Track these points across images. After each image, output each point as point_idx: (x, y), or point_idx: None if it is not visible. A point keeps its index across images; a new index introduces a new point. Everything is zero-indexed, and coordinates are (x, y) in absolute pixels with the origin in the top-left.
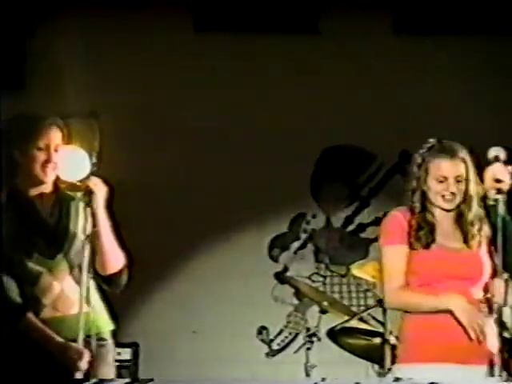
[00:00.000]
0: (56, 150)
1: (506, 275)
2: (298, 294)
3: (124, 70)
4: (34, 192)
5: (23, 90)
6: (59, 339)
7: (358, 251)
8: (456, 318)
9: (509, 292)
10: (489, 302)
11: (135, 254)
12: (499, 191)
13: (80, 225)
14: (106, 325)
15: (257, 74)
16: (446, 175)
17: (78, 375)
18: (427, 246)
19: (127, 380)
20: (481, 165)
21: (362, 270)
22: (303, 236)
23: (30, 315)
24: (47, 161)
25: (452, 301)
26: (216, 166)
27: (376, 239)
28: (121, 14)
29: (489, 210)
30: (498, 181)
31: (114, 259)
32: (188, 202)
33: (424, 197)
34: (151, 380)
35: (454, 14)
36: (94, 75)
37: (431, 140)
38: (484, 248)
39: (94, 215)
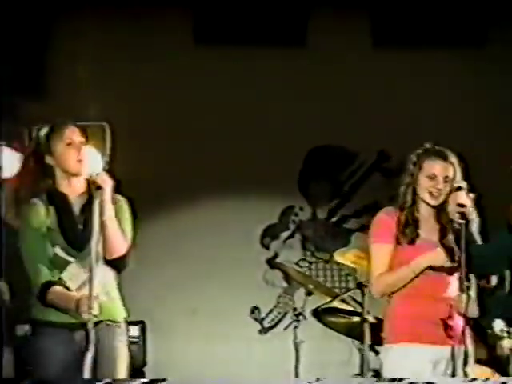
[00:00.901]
0: (81, 146)
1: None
2: (286, 277)
3: (128, 80)
4: (67, 189)
5: (41, 97)
6: (74, 295)
7: (340, 240)
8: (434, 267)
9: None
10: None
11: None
12: (463, 216)
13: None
14: (120, 312)
15: (256, 86)
16: (437, 174)
17: (87, 319)
18: (412, 241)
19: (144, 380)
20: (467, 169)
21: (344, 257)
22: (292, 226)
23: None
24: (77, 154)
25: (429, 256)
26: (216, 165)
27: (356, 230)
28: (128, 29)
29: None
30: (461, 205)
31: (119, 244)
32: (190, 194)
33: (414, 193)
34: (163, 380)
35: (427, 28)
36: (105, 85)
37: (427, 144)
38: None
39: (101, 207)
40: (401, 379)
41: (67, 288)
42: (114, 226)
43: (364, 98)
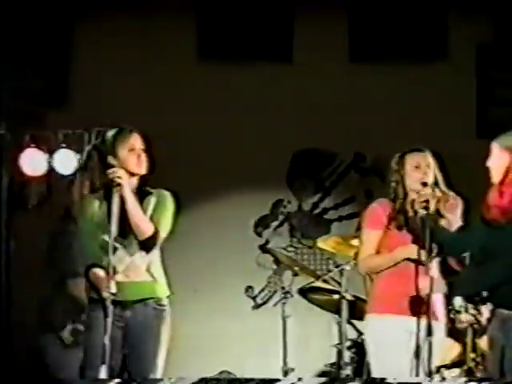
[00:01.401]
0: (141, 151)
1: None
2: (276, 261)
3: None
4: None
5: (65, 106)
6: (101, 275)
7: (322, 229)
8: (412, 260)
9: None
10: None
11: None
12: (426, 208)
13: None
14: (163, 292)
15: (250, 98)
16: (420, 162)
17: (105, 296)
18: (400, 228)
19: (117, 380)
20: (443, 165)
21: (325, 243)
22: (281, 217)
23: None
24: (138, 159)
25: (405, 250)
26: (218, 166)
27: (335, 220)
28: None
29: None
30: (425, 201)
31: (144, 228)
32: (196, 191)
33: (404, 187)
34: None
35: (396, 44)
36: (118, 95)
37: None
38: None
39: (123, 199)
40: (382, 379)
41: (109, 270)
42: (138, 213)
43: (343, 107)
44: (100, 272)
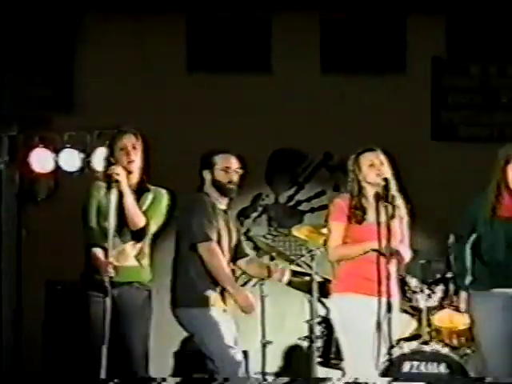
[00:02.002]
0: (133, 150)
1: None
2: (256, 247)
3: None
4: (122, 179)
5: (70, 110)
6: (100, 257)
7: (296, 219)
8: (377, 250)
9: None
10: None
11: None
12: (381, 200)
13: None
14: (147, 276)
15: (234, 104)
16: (372, 160)
17: (106, 278)
18: (359, 222)
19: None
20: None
21: (299, 232)
22: (260, 209)
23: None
24: (128, 158)
25: (371, 243)
26: None
27: (308, 211)
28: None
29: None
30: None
31: (137, 220)
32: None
33: (359, 184)
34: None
35: (364, 57)
36: (118, 100)
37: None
38: (398, 220)
39: (121, 193)
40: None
41: (109, 255)
42: (133, 207)
43: (314, 112)
44: (99, 253)
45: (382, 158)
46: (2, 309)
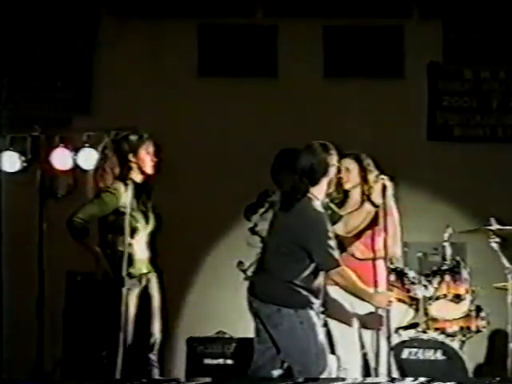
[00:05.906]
0: (154, 155)
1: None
2: (262, 241)
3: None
4: (137, 178)
5: (89, 112)
6: (102, 257)
7: None
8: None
9: None
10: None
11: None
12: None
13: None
14: (146, 267)
15: (240, 109)
16: (347, 166)
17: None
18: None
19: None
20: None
21: None
22: (266, 205)
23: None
24: (151, 161)
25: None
26: (217, 164)
27: None
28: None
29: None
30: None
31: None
32: (203, 183)
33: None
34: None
35: (365, 63)
36: (132, 104)
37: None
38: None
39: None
40: None
41: (125, 250)
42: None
43: (318, 113)
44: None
45: (350, 165)
46: (26, 298)
